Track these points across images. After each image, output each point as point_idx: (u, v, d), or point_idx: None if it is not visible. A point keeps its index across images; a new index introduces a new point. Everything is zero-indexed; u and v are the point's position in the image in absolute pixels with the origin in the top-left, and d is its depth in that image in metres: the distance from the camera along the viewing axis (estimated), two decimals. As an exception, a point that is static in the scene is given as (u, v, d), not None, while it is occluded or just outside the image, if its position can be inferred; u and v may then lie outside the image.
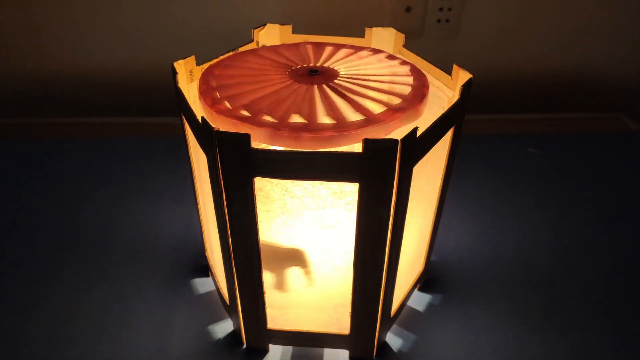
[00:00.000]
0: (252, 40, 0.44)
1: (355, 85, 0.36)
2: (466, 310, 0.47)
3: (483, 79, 0.79)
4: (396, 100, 0.34)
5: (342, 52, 0.41)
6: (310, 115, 0.32)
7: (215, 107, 0.33)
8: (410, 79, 0.37)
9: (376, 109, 0.33)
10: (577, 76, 0.83)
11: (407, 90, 0.36)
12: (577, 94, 0.85)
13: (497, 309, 0.47)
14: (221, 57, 0.40)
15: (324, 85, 0.36)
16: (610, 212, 0.59)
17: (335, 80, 0.36)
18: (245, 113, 0.33)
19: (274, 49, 0.42)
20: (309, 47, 0.42)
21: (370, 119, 0.32)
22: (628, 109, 0.84)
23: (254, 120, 0.32)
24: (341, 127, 0.31)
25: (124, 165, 0.65)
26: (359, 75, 0.38)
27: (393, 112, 0.33)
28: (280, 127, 0.31)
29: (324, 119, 0.32)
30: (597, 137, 0.73)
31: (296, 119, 0.32)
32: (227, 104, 0.34)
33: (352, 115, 0.33)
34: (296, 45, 0.42)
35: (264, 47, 0.42)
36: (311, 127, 0.31)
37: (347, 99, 0.34)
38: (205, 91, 0.35)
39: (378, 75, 0.38)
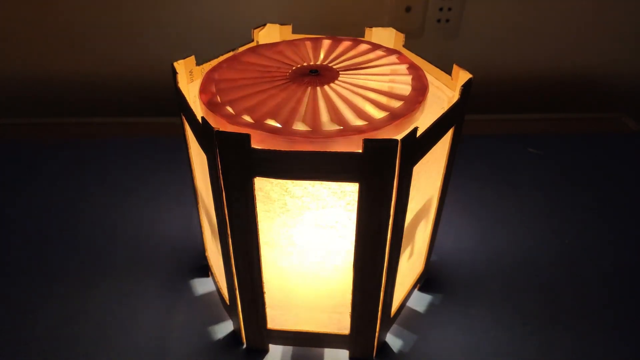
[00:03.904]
0: (252, 40, 0.44)
1: (354, 91, 0.36)
2: (466, 310, 0.47)
3: (483, 79, 0.79)
4: (394, 106, 0.34)
5: (342, 50, 0.41)
6: (312, 121, 0.32)
7: (217, 112, 0.33)
8: (408, 88, 0.36)
9: (376, 114, 0.33)
10: (577, 76, 0.83)
11: (405, 94, 0.36)
12: (577, 94, 0.85)
13: (497, 309, 0.47)
14: (222, 58, 0.40)
15: (323, 89, 0.36)
16: (610, 212, 0.59)
17: (334, 84, 0.36)
18: (247, 119, 0.33)
19: (275, 46, 0.41)
20: (317, 43, 0.42)
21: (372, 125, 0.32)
22: (628, 109, 0.84)
23: (259, 127, 0.32)
24: (341, 132, 0.31)
25: (123, 165, 0.65)
26: (358, 78, 0.37)
27: (390, 121, 0.33)
28: (284, 134, 0.31)
29: (326, 124, 0.32)
30: (597, 137, 0.73)
31: (299, 126, 0.32)
32: (229, 109, 0.34)
33: (351, 121, 0.33)
34: (296, 42, 0.42)
35: (265, 44, 0.42)
36: (311, 134, 0.31)
37: (347, 105, 0.34)
38: (207, 97, 0.35)
39: (378, 78, 0.38)
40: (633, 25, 0.78)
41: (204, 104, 0.34)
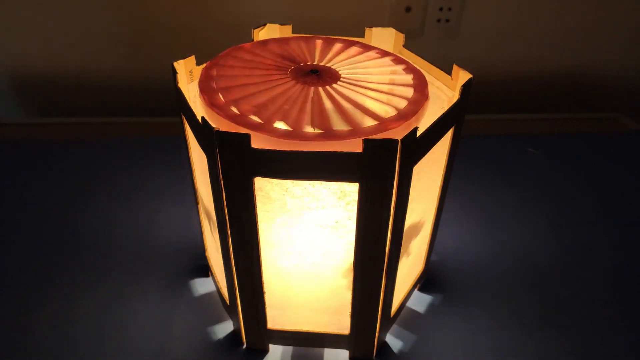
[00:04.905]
0: (252, 41, 0.44)
1: (357, 91, 0.36)
2: (466, 311, 0.47)
3: (483, 79, 0.79)
4: (400, 105, 0.34)
5: (343, 51, 0.41)
6: (324, 122, 0.32)
7: (217, 108, 0.33)
8: (410, 88, 0.36)
9: (384, 114, 0.33)
10: (577, 76, 0.83)
11: (408, 95, 0.36)
12: (576, 94, 0.85)
13: (497, 309, 0.47)
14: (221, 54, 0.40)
15: (326, 89, 0.36)
16: (610, 212, 0.59)
17: (336, 85, 0.36)
18: (255, 119, 0.33)
19: (274, 44, 0.41)
20: (310, 43, 0.42)
21: (379, 127, 0.32)
22: (628, 109, 0.84)
23: (268, 129, 0.32)
24: (341, 134, 0.31)
25: (124, 165, 0.65)
26: (359, 79, 0.37)
27: (396, 119, 0.33)
28: (291, 135, 0.31)
29: (340, 126, 0.32)
30: (597, 137, 0.73)
31: (309, 128, 0.32)
32: (234, 109, 0.34)
33: (352, 121, 0.33)
34: (290, 41, 0.42)
35: (258, 42, 0.42)
36: (313, 136, 0.31)
37: (348, 105, 0.34)
38: (207, 93, 0.35)
39: (378, 81, 0.38)
40: (633, 25, 0.78)
41: (207, 103, 0.34)
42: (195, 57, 0.38)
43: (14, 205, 0.58)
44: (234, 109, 0.33)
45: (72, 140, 0.70)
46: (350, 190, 0.32)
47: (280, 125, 0.32)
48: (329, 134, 0.31)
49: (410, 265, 0.44)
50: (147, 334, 0.44)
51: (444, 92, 0.39)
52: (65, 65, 0.77)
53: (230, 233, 0.34)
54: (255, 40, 0.44)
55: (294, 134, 0.31)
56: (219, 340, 0.44)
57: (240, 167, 0.30)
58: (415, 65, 0.40)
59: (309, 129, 0.32)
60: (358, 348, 0.42)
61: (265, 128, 0.31)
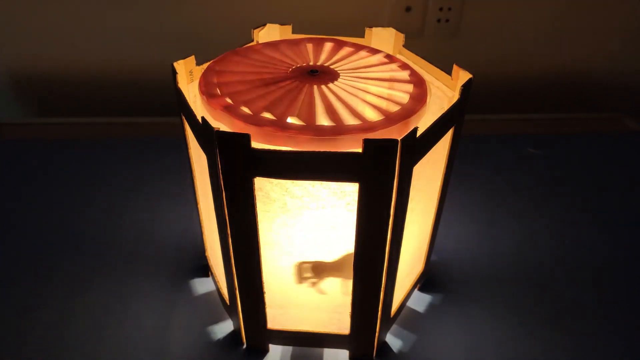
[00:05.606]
0: (252, 41, 0.44)
1: (352, 93, 0.36)
2: (466, 310, 0.47)
3: (483, 79, 0.79)
4: (394, 107, 0.34)
5: (343, 52, 0.41)
6: (309, 117, 0.33)
7: (215, 102, 0.33)
8: (407, 95, 0.36)
9: (373, 117, 0.33)
10: (577, 76, 0.83)
11: (404, 102, 0.36)
12: (577, 94, 0.85)
13: (497, 309, 0.47)
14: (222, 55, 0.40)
15: (321, 88, 0.36)
16: (610, 212, 0.59)
17: (335, 83, 0.36)
18: (246, 110, 0.33)
19: (275, 45, 0.42)
20: (311, 45, 0.42)
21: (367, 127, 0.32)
22: (628, 109, 0.84)
23: (257, 120, 0.32)
24: (340, 131, 0.31)
25: (124, 165, 0.65)
26: (358, 78, 0.37)
27: (390, 121, 0.33)
28: (282, 127, 0.31)
29: (324, 122, 0.32)
30: (597, 137, 0.73)
31: (296, 121, 0.32)
32: (228, 100, 0.34)
33: (351, 120, 0.33)
34: (297, 42, 0.42)
35: (265, 43, 0.42)
36: (311, 129, 0.31)
37: (347, 104, 0.34)
38: (207, 89, 0.35)
39: (377, 80, 0.38)
40: (633, 25, 0.78)
41: (203, 94, 0.34)
42: (195, 57, 0.38)
43: (14, 205, 0.58)
44: (228, 100, 0.33)
45: (72, 140, 0.70)
46: (350, 190, 0.32)
47: (267, 116, 0.32)
48: (311, 128, 0.31)
49: (410, 265, 0.44)
50: (147, 333, 0.44)
51: (444, 92, 0.39)
52: (65, 65, 0.77)
53: (230, 233, 0.34)
54: (255, 40, 0.44)
55: (277, 124, 0.31)
56: (219, 340, 0.44)
57: (240, 167, 0.30)
58: (417, 71, 0.39)
59: (293, 121, 0.32)
60: (358, 348, 0.42)
61: (253, 119, 0.31)
